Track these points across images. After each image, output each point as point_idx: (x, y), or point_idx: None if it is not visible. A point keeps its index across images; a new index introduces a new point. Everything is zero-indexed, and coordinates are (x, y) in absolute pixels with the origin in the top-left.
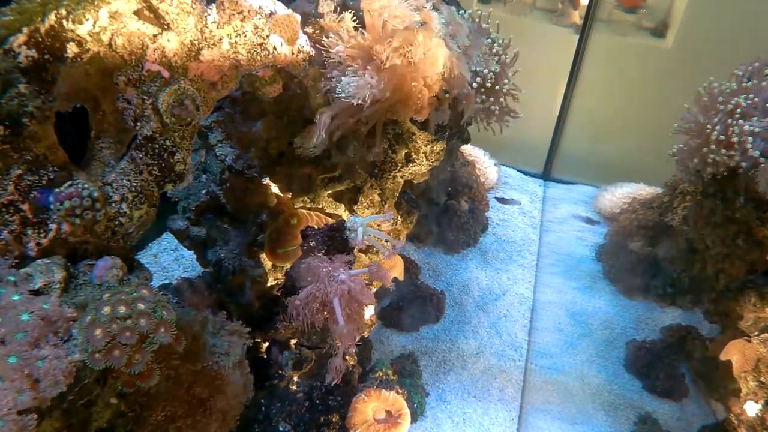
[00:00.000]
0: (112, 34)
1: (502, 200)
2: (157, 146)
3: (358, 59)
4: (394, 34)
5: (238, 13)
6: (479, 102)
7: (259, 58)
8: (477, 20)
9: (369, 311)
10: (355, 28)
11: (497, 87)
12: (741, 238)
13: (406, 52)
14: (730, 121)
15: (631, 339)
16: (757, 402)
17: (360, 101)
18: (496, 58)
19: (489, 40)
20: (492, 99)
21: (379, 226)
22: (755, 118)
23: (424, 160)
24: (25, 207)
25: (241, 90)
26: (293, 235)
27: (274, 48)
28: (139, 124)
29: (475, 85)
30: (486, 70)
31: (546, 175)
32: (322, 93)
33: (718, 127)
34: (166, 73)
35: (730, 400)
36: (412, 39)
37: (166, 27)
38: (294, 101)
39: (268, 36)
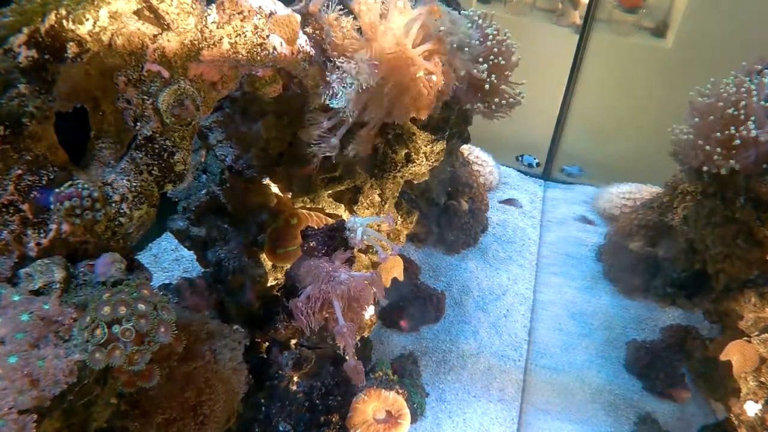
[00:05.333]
0: (112, 34)
1: (506, 201)
2: (157, 146)
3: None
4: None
5: (238, 13)
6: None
7: (259, 58)
8: (477, 20)
9: (369, 311)
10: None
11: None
12: (741, 238)
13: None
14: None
15: (631, 339)
16: (757, 402)
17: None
18: (494, 59)
19: (489, 34)
20: (490, 99)
21: (379, 227)
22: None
23: (424, 160)
24: (25, 207)
25: (241, 90)
26: (293, 235)
27: (274, 48)
28: (139, 124)
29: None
30: (484, 74)
31: (546, 175)
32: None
33: (718, 128)
34: (166, 73)
35: (730, 400)
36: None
37: (166, 27)
38: (294, 101)
39: (268, 36)
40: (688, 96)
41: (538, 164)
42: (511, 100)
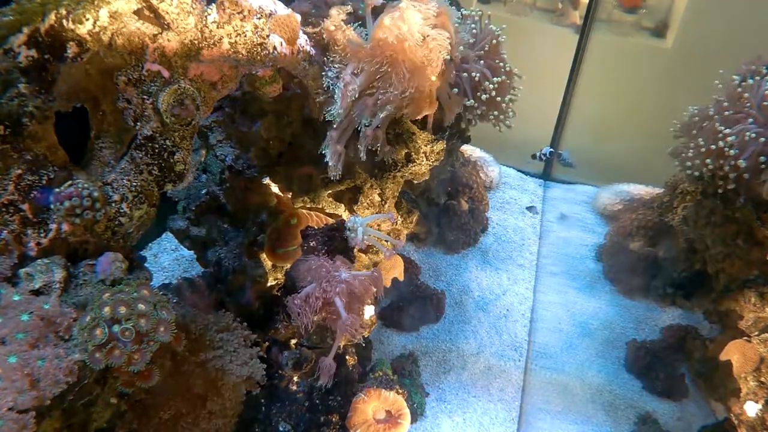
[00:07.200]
0: (113, 34)
1: (529, 208)
2: (157, 146)
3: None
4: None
5: (238, 13)
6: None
7: (259, 57)
8: (478, 20)
9: (369, 311)
10: None
11: (498, 98)
12: (741, 238)
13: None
14: (722, 128)
15: (631, 339)
16: (757, 402)
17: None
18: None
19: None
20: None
21: (379, 226)
22: (750, 120)
23: (424, 159)
24: (25, 207)
25: (241, 90)
26: (293, 235)
27: (274, 48)
28: (139, 123)
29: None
30: (487, 83)
31: (546, 175)
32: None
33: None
34: (166, 73)
35: (730, 400)
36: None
37: (166, 27)
38: (294, 101)
39: (268, 36)
40: (687, 96)
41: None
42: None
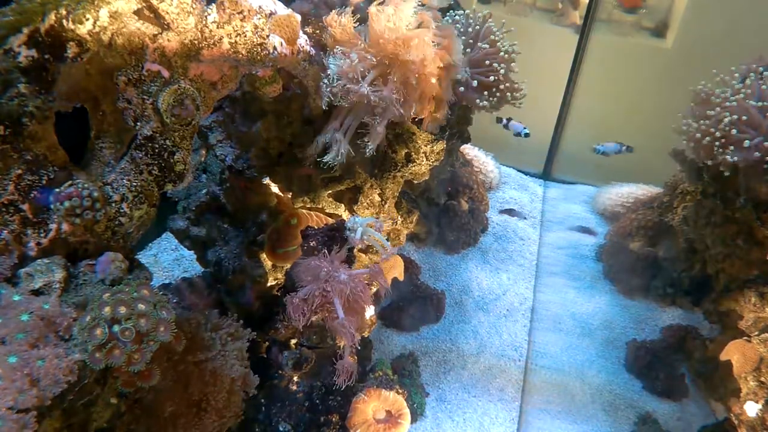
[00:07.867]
0: (113, 34)
1: (507, 211)
2: (157, 146)
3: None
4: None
5: (238, 13)
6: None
7: (259, 57)
8: (480, 21)
9: (369, 311)
10: None
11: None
12: (741, 238)
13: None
14: (726, 121)
15: (631, 339)
16: (757, 402)
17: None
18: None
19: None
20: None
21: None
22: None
23: (424, 160)
24: (25, 207)
25: (241, 90)
26: (293, 235)
27: (274, 48)
28: (139, 123)
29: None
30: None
31: (546, 175)
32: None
33: (712, 129)
34: (166, 73)
35: (730, 400)
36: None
37: (166, 27)
38: (294, 101)
39: (268, 36)
40: (688, 96)
41: (527, 134)
42: (516, 93)
